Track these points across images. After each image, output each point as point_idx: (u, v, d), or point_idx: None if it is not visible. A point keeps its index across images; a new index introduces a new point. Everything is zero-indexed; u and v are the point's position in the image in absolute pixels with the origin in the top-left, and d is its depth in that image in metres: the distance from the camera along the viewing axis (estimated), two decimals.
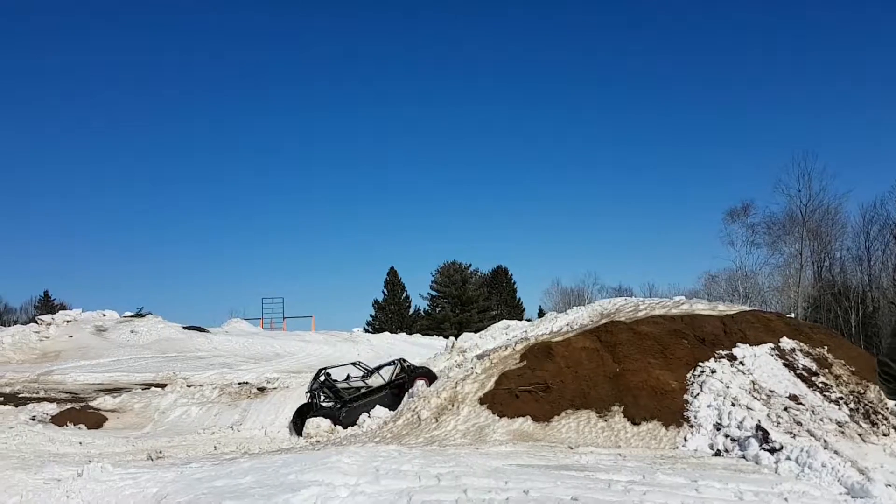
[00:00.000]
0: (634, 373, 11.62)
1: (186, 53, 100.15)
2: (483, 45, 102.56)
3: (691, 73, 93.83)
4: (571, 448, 9.54)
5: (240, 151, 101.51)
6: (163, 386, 19.33)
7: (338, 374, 14.63)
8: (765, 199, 76.47)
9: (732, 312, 13.68)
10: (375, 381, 13.93)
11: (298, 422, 13.35)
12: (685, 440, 10.03)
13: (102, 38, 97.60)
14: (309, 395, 13.85)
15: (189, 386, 18.11)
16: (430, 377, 13.81)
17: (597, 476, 7.40)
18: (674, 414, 10.61)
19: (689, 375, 11.51)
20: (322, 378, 13.88)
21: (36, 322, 31.19)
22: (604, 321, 13.83)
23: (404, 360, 14.43)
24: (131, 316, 33.37)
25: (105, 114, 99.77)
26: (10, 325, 36.58)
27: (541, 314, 50.06)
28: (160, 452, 11.08)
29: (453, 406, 11.90)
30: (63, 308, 39.74)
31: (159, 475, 7.96)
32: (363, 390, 13.79)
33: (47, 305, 55.49)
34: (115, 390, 18.99)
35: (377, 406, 13.33)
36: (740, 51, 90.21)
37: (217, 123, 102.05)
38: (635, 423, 10.52)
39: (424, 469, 7.43)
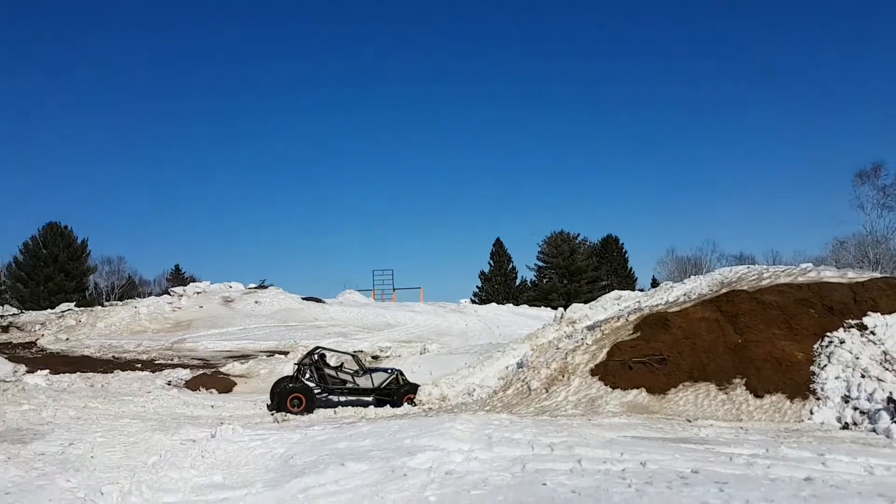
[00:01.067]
0: (757, 344, 11.10)
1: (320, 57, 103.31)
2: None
3: (818, 31, 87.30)
4: (689, 421, 9.29)
5: (350, 134, 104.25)
6: (285, 353, 20.38)
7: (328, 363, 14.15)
8: None
9: (863, 280, 12.75)
10: (365, 382, 13.47)
11: (275, 395, 12.75)
12: (811, 413, 9.54)
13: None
14: (296, 367, 13.50)
15: None
16: (415, 394, 13.18)
17: (717, 449, 7.16)
18: (799, 386, 10.08)
19: (815, 346, 10.87)
20: (315, 357, 13.55)
21: (169, 294, 33.53)
22: (724, 290, 13.25)
23: (401, 373, 13.97)
24: (255, 287, 35.14)
25: (235, 112, 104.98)
26: (145, 297, 39.48)
27: (654, 284, 48.68)
28: (285, 416, 11.70)
29: (564, 377, 11.83)
30: (193, 280, 42.39)
31: (286, 437, 8.42)
32: (348, 385, 13.38)
33: (178, 278, 59.33)
34: (243, 357, 20.20)
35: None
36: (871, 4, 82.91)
37: (333, 110, 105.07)
38: (758, 395, 10.09)
39: (537, 438, 7.44)
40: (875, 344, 10.74)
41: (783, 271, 13.88)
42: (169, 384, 15.23)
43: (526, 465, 6.23)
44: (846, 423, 9.15)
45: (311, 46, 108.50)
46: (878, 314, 11.50)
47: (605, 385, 11.08)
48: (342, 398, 13.39)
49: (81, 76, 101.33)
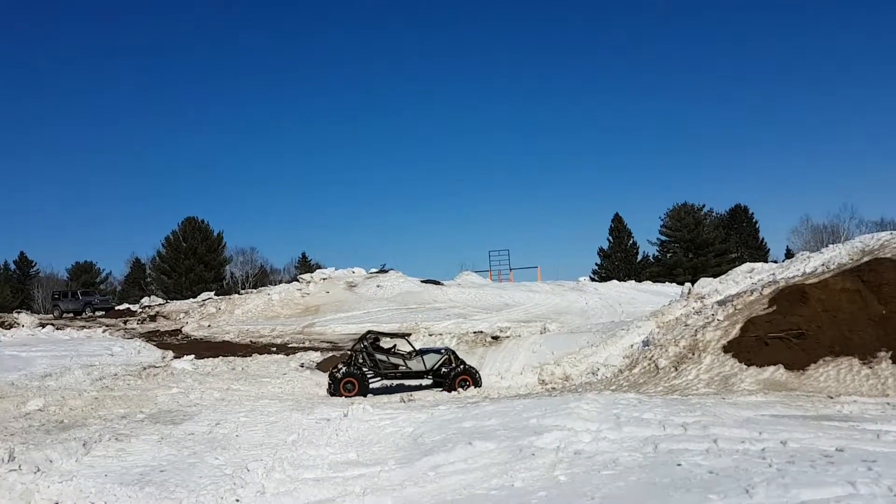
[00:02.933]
0: None
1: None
2: None
3: None
4: (831, 397, 8.74)
5: (464, 119, 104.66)
6: (408, 335, 20.85)
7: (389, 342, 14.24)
8: None
9: None
10: (416, 365, 13.35)
11: (331, 377, 12.96)
12: None
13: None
14: (351, 352, 13.65)
15: (430, 335, 19.30)
16: (471, 377, 13.04)
17: (863, 426, 6.71)
18: None
19: None
20: (369, 341, 13.57)
21: (298, 280, 35.13)
22: (866, 259, 12.33)
23: (454, 354, 13.73)
24: (376, 272, 36.11)
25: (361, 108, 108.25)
26: (276, 285, 41.58)
27: (789, 255, 45.88)
28: (412, 396, 12.03)
29: (693, 354, 11.44)
30: (319, 267, 44.10)
31: (413, 416, 8.66)
32: (400, 369, 13.33)
33: (305, 265, 62.00)
34: None
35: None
36: None
37: (443, 99, 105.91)
38: None
39: (668, 418, 7.25)
40: None
41: None
42: (302, 366, 15.93)
43: (658, 446, 6.09)
44: None
45: (406, 47, 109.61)
46: None
47: (740, 362, 10.63)
48: (395, 382, 13.56)
49: (206, 83, 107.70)
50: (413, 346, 13.99)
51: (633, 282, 40.18)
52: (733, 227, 57.82)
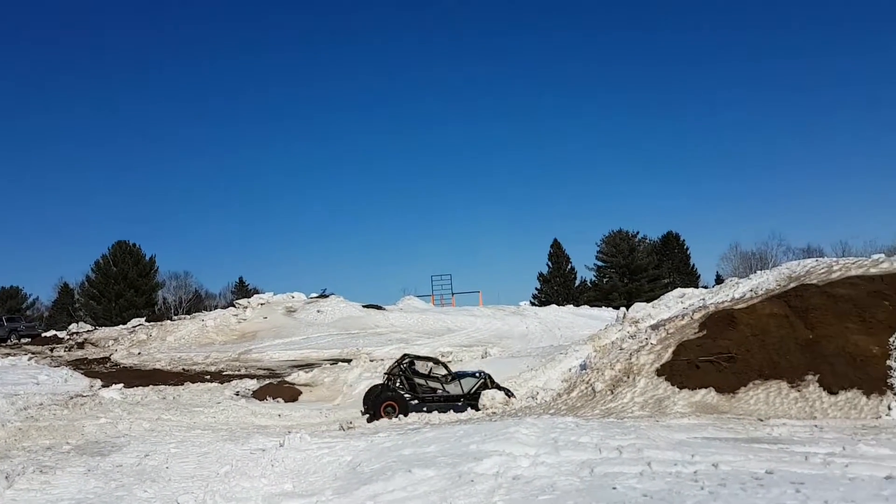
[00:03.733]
0: (829, 339, 10.71)
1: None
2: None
3: (854, 24, 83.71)
4: (761, 420, 9.02)
5: (405, 136, 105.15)
6: (348, 361, 20.62)
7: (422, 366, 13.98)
8: None
9: None
10: (454, 388, 13.28)
11: (369, 401, 12.87)
12: (889, 409, 9.16)
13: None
14: (386, 376, 13.52)
15: (371, 360, 19.15)
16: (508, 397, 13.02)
17: (792, 448, 6.94)
18: (875, 381, 9.69)
19: (891, 339, 10.43)
20: (405, 365, 13.47)
21: (234, 306, 34.40)
22: (792, 285, 12.85)
23: (490, 377, 13.64)
24: (316, 297, 35.69)
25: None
26: (211, 310, 40.61)
27: (718, 281, 47.38)
28: (351, 423, 11.85)
29: (629, 378, 11.65)
30: (256, 292, 43.33)
31: (352, 444, 8.54)
32: (439, 393, 13.24)
33: (242, 290, 60.82)
34: (307, 366, 20.51)
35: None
36: None
37: (381, 111, 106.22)
38: (832, 392, 9.72)
39: (604, 441, 7.36)
40: None
41: (854, 263, 13.38)
42: (237, 394, 15.56)
43: (594, 469, 6.16)
44: None
45: (338, 69, 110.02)
46: None
47: (672, 385, 10.86)
48: (433, 405, 13.28)
49: (142, 100, 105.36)
50: (449, 370, 13.79)
51: (572, 306, 40.85)
52: (666, 254, 59.51)
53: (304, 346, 25.56)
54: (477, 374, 13.70)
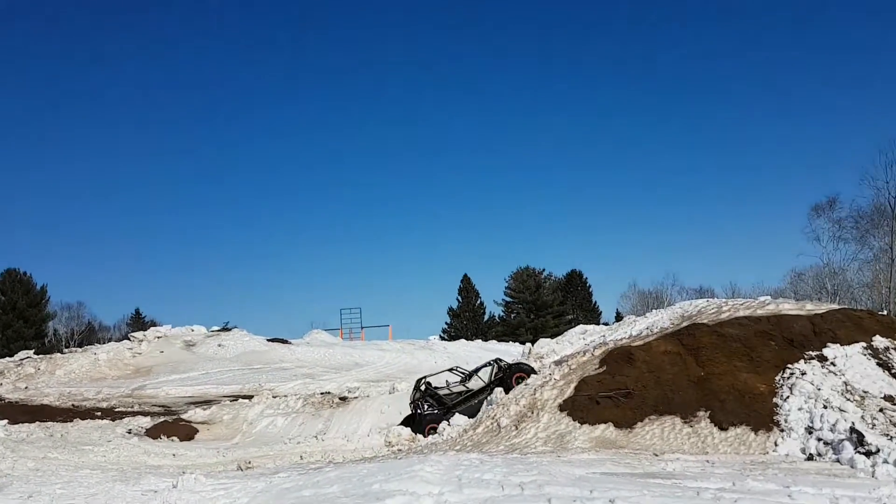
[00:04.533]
0: (720, 376, 11.26)
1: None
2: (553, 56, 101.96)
3: (772, 71, 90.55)
4: (657, 455, 9.33)
5: (315, 169, 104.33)
6: (250, 397, 19.97)
7: (437, 381, 15.07)
8: (850, 192, 72.88)
9: (821, 311, 13.09)
10: (475, 383, 14.28)
11: (417, 424, 13.67)
12: (776, 445, 9.66)
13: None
14: (412, 405, 14.31)
15: (274, 397, 18.63)
16: (527, 373, 13.95)
17: (685, 483, 7.20)
18: (763, 418, 10.23)
19: (777, 378, 11.07)
20: (423, 387, 14.36)
21: (129, 339, 32.77)
22: (685, 324, 13.46)
23: (500, 360, 14.65)
24: (218, 330, 34.57)
25: (184, 145, 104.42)
26: (104, 343, 38.55)
27: (618, 318, 49.12)
28: (249, 463, 11.46)
29: (533, 413, 11.83)
30: (153, 324, 41.53)
31: (249, 485, 8.23)
32: (464, 394, 14.18)
33: (139, 322, 58.10)
34: (205, 403, 19.73)
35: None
36: (823, 48, 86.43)
37: (290, 144, 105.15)
38: (723, 428, 10.19)
39: (507, 478, 7.40)
40: (836, 375, 10.98)
41: (742, 304, 14.17)
42: (129, 432, 14.84)
43: None
44: (810, 454, 9.27)
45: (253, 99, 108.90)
46: (838, 345, 11.78)
47: (574, 420, 11.10)
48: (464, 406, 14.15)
49: (38, 115, 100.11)
50: (463, 371, 15.04)
51: (480, 341, 41.27)
52: (570, 291, 61.19)
53: (203, 381, 24.61)
54: (490, 362, 14.76)
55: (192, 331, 34.01)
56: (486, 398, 13.75)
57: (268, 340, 32.49)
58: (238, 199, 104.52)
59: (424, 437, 13.12)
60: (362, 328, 45.98)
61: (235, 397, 20.79)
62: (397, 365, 28.85)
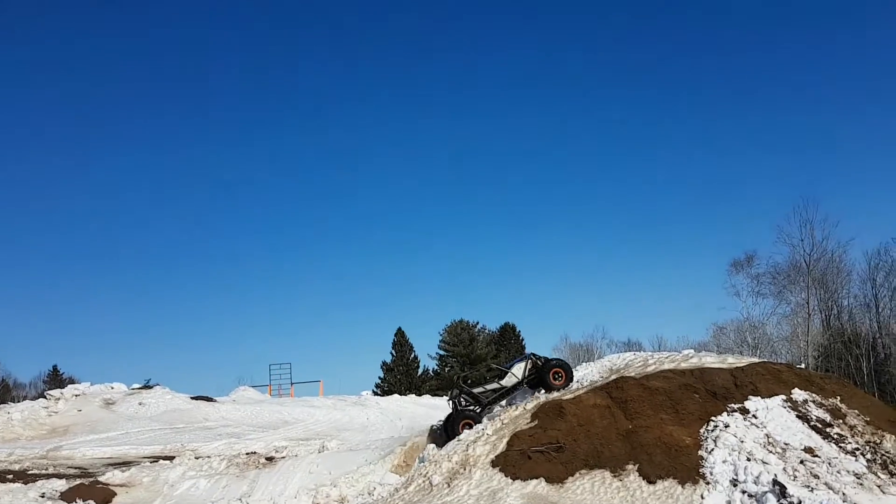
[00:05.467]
0: (647, 429, 11.48)
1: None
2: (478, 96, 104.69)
3: (688, 129, 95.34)
4: None
5: (241, 215, 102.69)
6: (171, 458, 19.09)
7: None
8: (768, 249, 76.30)
9: (742, 365, 13.59)
10: (510, 380, 14.90)
11: (448, 427, 14.21)
12: (702, 497, 9.87)
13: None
14: (452, 403, 15.09)
15: (197, 457, 17.90)
16: (563, 369, 14.69)
17: None
18: (689, 471, 10.45)
19: (702, 430, 11.38)
20: (458, 390, 15.11)
21: (45, 397, 31.00)
22: (614, 377, 13.73)
23: (535, 354, 15.23)
24: (139, 388, 33.18)
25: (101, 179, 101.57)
26: (19, 401, 36.39)
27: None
28: None
29: (465, 469, 11.73)
30: (72, 382, 39.48)
31: None
32: (499, 391, 14.81)
33: (56, 380, 55.21)
34: (124, 464, 18.76)
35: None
36: (737, 107, 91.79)
37: (213, 184, 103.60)
38: (651, 481, 10.35)
39: None
40: (758, 427, 11.36)
41: (667, 357, 14.59)
42: (43, 496, 13.95)
43: None
44: None
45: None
46: (759, 398, 12.24)
47: (506, 476, 11.06)
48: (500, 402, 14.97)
49: None
50: (500, 367, 15.69)
51: (414, 395, 40.78)
52: (503, 343, 61.48)
53: (123, 441, 23.40)
54: (524, 357, 15.43)
55: (112, 388, 32.48)
56: (520, 393, 14.77)
57: (192, 398, 31.27)
58: (161, 249, 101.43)
59: (459, 433, 13.62)
60: (292, 384, 44.74)
61: (156, 458, 19.84)
62: (328, 422, 28.17)
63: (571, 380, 14.70)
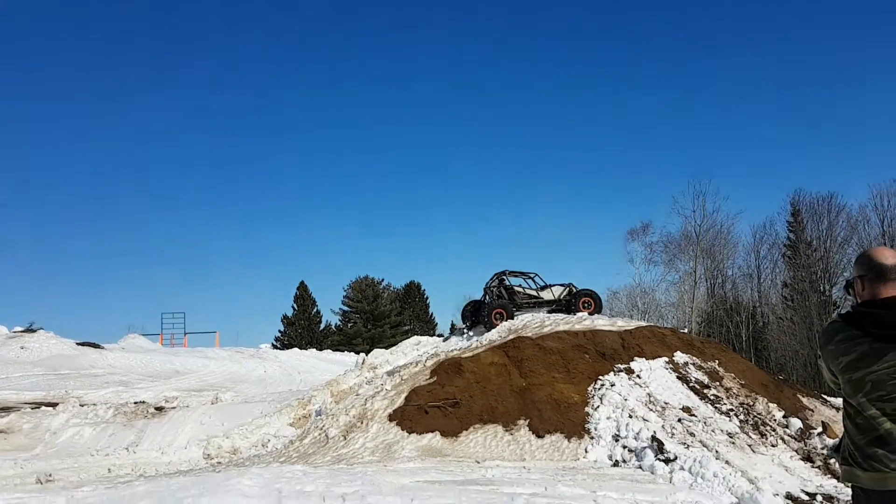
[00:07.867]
0: (539, 387, 11.91)
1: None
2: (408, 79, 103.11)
3: (603, 101, 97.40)
4: (479, 462, 9.67)
5: (139, 154, 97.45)
6: (54, 405, 18.25)
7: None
8: (663, 219, 79.82)
9: (630, 328, 14.26)
10: (547, 295, 15.88)
11: (471, 315, 14.90)
12: (586, 451, 10.37)
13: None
14: (485, 291, 15.76)
15: (82, 405, 17.19)
16: (594, 298, 15.67)
17: (501, 490, 7.53)
18: (576, 426, 10.94)
19: (590, 389, 11.91)
20: (502, 279, 15.80)
21: None
22: (511, 337, 14.11)
23: (573, 285, 16.24)
24: (21, 331, 31.39)
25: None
26: None
27: (453, 329, 50.38)
28: (50, 476, 10.48)
29: (362, 423, 11.83)
30: None
31: (48, 500, 7.55)
32: (534, 299, 15.70)
33: None
34: (3, 410, 17.79)
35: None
36: (648, 79, 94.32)
37: (115, 127, 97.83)
38: (539, 435, 10.77)
39: (329, 489, 7.34)
40: (641, 387, 11.98)
41: (562, 319, 15.11)
42: None
43: None
44: (616, 460, 10.04)
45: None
46: (644, 359, 12.89)
47: (403, 430, 11.24)
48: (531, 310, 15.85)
49: None
50: (544, 281, 16.60)
51: (315, 350, 40.54)
52: (408, 302, 61.95)
53: (2, 387, 22.10)
54: (564, 285, 16.55)
55: None
56: (551, 310, 15.69)
57: (78, 344, 29.89)
58: (49, 185, 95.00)
59: (490, 322, 14.22)
60: (185, 334, 43.43)
61: (38, 405, 18.91)
62: (223, 374, 27.61)
63: (600, 309, 15.95)
